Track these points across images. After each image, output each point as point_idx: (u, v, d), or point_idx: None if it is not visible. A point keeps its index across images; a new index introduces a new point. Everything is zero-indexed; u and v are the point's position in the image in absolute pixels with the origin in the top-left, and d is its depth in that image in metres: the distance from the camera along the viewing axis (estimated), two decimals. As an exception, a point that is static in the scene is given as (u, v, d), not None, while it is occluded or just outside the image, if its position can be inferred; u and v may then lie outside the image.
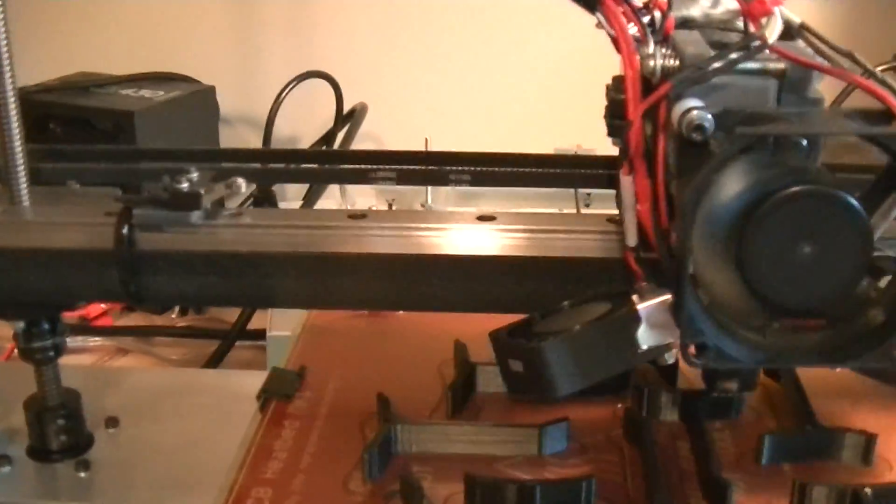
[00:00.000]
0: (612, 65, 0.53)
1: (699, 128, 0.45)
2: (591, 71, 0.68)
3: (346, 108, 1.17)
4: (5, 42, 0.59)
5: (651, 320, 0.48)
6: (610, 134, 0.56)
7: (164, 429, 0.72)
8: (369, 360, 0.70)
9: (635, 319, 0.48)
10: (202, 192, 0.58)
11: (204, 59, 1.21)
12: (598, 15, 0.50)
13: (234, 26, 1.24)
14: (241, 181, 0.60)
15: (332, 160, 0.72)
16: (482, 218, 0.60)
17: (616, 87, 0.55)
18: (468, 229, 0.59)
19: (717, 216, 0.44)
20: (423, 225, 0.59)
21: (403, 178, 0.66)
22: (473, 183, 0.67)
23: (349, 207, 0.95)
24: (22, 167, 0.62)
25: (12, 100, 0.60)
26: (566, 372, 0.49)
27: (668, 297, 0.48)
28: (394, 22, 1.22)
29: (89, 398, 0.70)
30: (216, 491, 0.56)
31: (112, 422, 0.71)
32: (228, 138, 1.22)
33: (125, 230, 0.58)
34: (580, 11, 0.51)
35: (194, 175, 0.59)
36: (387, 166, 0.66)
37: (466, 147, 0.68)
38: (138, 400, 0.75)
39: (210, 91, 1.17)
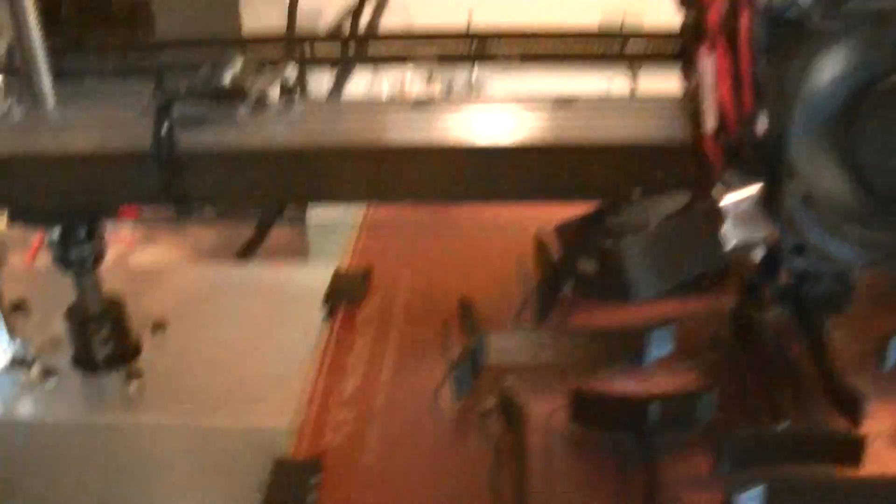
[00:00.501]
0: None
1: (793, 2, 0.40)
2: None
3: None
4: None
5: (737, 214, 0.44)
6: (682, 2, 0.52)
7: (215, 333, 0.68)
8: (439, 259, 0.66)
9: (720, 214, 0.44)
10: (248, 83, 0.53)
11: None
12: None
13: None
14: (289, 70, 0.56)
15: (363, 41, 0.68)
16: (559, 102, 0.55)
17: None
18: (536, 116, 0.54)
19: (820, 100, 0.39)
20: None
21: (446, 58, 0.61)
22: (522, 60, 0.62)
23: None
24: (44, 64, 0.58)
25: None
26: (645, 273, 0.45)
27: (755, 188, 0.44)
28: None
29: (132, 300, 0.67)
30: (286, 408, 0.53)
31: (159, 327, 0.69)
32: (251, 19, 1.16)
33: (165, 128, 0.54)
34: None
35: (238, 63, 0.54)
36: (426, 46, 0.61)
37: (510, 17, 0.62)
38: (185, 301, 0.72)
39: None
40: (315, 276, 0.63)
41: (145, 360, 0.66)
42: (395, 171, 0.54)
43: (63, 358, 0.66)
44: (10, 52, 0.60)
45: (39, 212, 0.59)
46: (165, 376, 0.64)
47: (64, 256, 0.62)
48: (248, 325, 0.68)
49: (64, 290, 0.64)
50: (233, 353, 0.65)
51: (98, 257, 0.63)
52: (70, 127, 0.57)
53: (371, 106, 0.58)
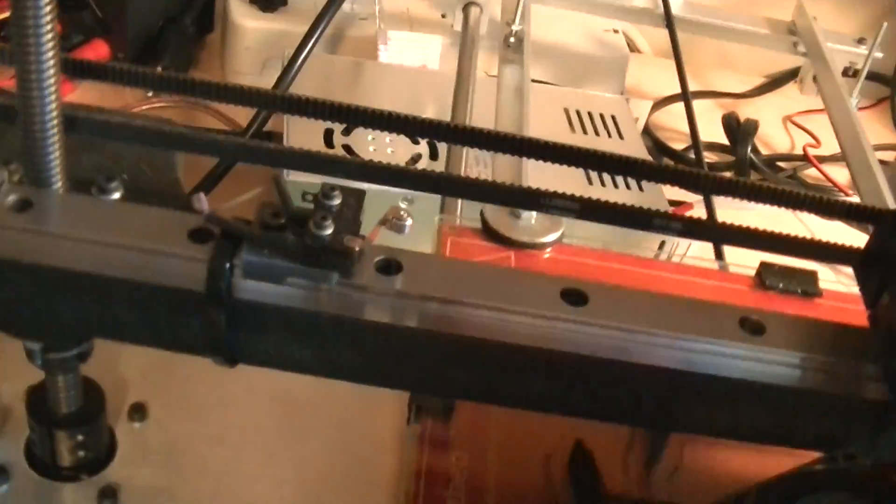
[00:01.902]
0: None
1: None
2: None
3: None
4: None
5: None
6: None
7: (217, 426, 0.53)
8: None
9: None
10: (356, 248, 0.38)
11: None
12: None
13: None
14: (405, 215, 0.40)
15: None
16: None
17: None
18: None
19: None
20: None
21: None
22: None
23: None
24: (54, 115, 0.41)
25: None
26: None
27: None
28: None
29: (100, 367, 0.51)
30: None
31: (138, 411, 0.54)
32: None
33: (226, 272, 0.38)
34: None
35: (335, 203, 0.39)
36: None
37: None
38: (167, 379, 0.56)
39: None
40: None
41: (122, 469, 0.51)
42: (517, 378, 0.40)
43: (14, 446, 0.51)
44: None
45: (31, 326, 0.43)
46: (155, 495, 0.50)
47: (45, 360, 0.46)
48: (255, 417, 0.53)
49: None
50: (248, 461, 0.51)
51: (85, 357, 0.47)
52: (87, 242, 0.40)
53: (511, 275, 0.43)
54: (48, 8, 0.37)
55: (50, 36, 0.38)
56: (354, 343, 0.40)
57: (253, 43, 0.94)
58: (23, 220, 0.40)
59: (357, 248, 0.38)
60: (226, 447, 0.52)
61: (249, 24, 0.94)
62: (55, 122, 0.41)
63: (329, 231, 0.38)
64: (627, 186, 0.78)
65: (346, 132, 0.77)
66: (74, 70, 0.45)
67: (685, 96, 0.87)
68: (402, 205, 0.63)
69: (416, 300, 0.39)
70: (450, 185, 0.47)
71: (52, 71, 0.39)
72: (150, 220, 0.41)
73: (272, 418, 0.52)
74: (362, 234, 0.39)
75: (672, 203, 0.83)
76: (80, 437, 0.50)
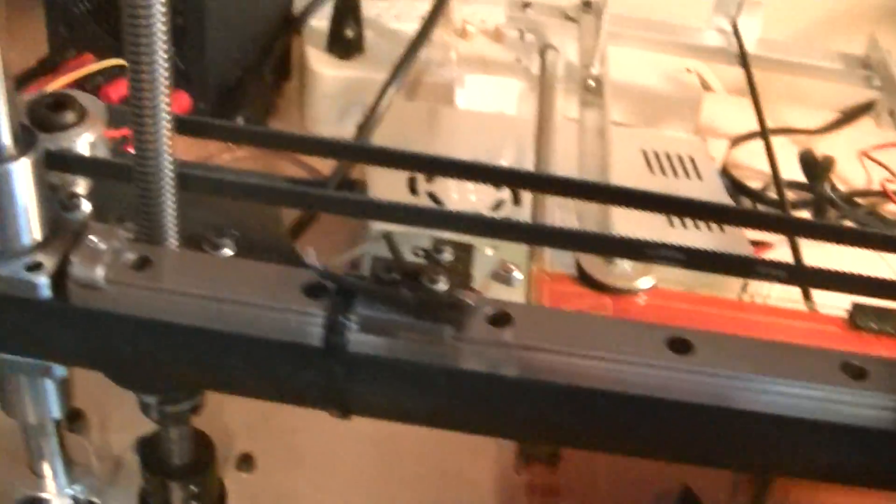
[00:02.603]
0: None
1: None
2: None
3: None
4: None
5: None
6: None
7: (323, 473, 0.55)
8: None
9: None
10: (470, 302, 0.39)
11: None
12: None
13: None
14: (513, 268, 0.41)
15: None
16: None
17: None
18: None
19: None
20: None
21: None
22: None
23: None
24: (170, 173, 0.42)
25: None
26: None
27: None
28: None
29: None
30: None
31: (245, 461, 0.55)
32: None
33: (343, 326, 0.39)
34: None
35: (447, 257, 0.40)
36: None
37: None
38: (271, 429, 0.57)
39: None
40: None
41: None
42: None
43: (126, 497, 0.53)
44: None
45: (149, 380, 0.44)
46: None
47: (159, 414, 0.48)
48: (388, 469, 0.55)
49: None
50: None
51: (197, 409, 0.49)
52: (203, 298, 0.41)
53: (618, 325, 0.43)
54: (164, 73, 0.39)
55: (166, 100, 0.40)
56: (465, 393, 0.41)
57: (331, 90, 0.96)
58: (143, 277, 0.41)
59: (471, 303, 0.39)
60: (332, 494, 0.53)
61: (327, 72, 0.95)
62: (170, 180, 0.42)
63: (443, 285, 0.39)
64: (709, 228, 0.78)
65: (429, 179, 0.79)
66: (185, 128, 0.47)
67: (764, 135, 0.87)
68: (488, 252, 0.64)
69: (528, 351, 0.40)
70: (548, 236, 0.48)
71: (167, 131, 0.41)
72: (264, 275, 0.42)
73: (377, 466, 0.53)
74: (473, 286, 0.40)
75: (752, 243, 0.83)
76: (192, 488, 0.51)
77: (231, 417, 0.56)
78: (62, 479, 0.50)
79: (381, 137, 0.82)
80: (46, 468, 0.50)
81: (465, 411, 0.41)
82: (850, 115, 1.15)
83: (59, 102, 0.46)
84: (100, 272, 0.40)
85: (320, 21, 0.97)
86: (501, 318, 0.41)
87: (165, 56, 0.38)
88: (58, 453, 0.50)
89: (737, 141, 1.05)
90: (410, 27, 0.91)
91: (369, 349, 0.40)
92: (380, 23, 0.99)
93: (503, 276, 0.41)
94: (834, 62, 1.00)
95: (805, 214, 0.96)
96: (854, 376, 0.40)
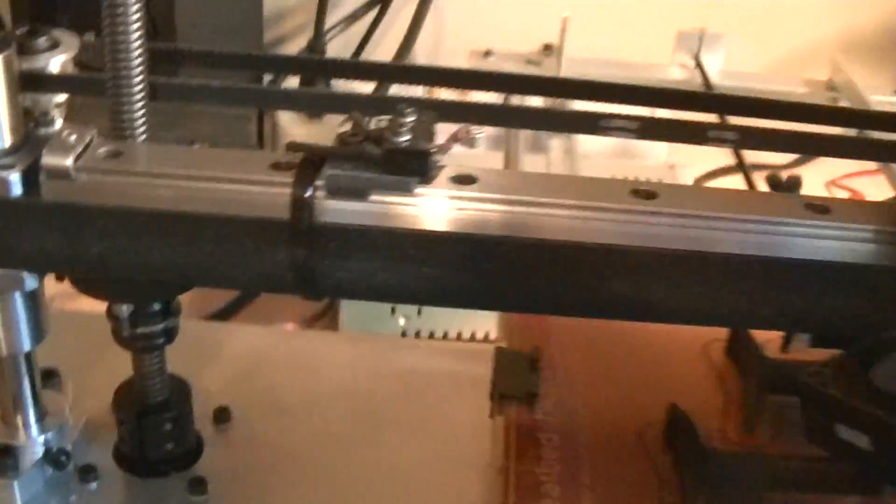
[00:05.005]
0: None
1: None
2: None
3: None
4: None
5: None
6: None
7: (303, 427, 0.53)
8: (615, 339, 0.55)
9: None
10: (431, 149, 0.39)
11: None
12: None
13: None
14: (475, 132, 0.42)
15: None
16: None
17: None
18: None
19: None
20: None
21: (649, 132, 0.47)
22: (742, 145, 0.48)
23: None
24: (140, 80, 0.43)
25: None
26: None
27: None
28: None
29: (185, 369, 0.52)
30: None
31: (222, 415, 0.54)
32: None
33: (309, 194, 0.39)
34: None
35: (410, 118, 0.40)
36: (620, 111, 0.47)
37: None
38: (252, 378, 0.56)
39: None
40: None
41: (208, 464, 0.51)
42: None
43: (101, 450, 0.51)
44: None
45: (115, 284, 0.44)
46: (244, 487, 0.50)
47: (131, 336, 0.47)
48: (340, 416, 0.54)
49: (99, 348, 0.51)
50: (335, 460, 0.51)
51: (171, 334, 0.48)
52: (172, 178, 0.41)
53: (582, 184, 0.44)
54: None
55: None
56: (434, 259, 0.41)
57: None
58: (114, 164, 0.42)
59: (433, 149, 0.39)
60: (308, 443, 0.52)
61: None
62: (141, 89, 0.43)
63: (406, 137, 0.39)
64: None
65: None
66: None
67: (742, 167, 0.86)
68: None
69: (495, 205, 0.40)
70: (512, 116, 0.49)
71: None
72: (233, 157, 0.42)
73: (353, 418, 0.53)
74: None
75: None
76: (167, 426, 0.50)
77: (210, 378, 0.56)
78: (34, 428, 0.49)
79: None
80: (18, 418, 0.49)
81: (435, 280, 0.41)
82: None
83: (33, 31, 0.47)
84: (70, 160, 0.41)
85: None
86: (465, 178, 0.41)
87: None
88: (30, 400, 0.49)
89: (704, 178, 1.06)
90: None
91: (338, 217, 0.40)
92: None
93: (467, 138, 0.42)
94: (798, 87, 1.02)
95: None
96: (818, 211, 0.40)
